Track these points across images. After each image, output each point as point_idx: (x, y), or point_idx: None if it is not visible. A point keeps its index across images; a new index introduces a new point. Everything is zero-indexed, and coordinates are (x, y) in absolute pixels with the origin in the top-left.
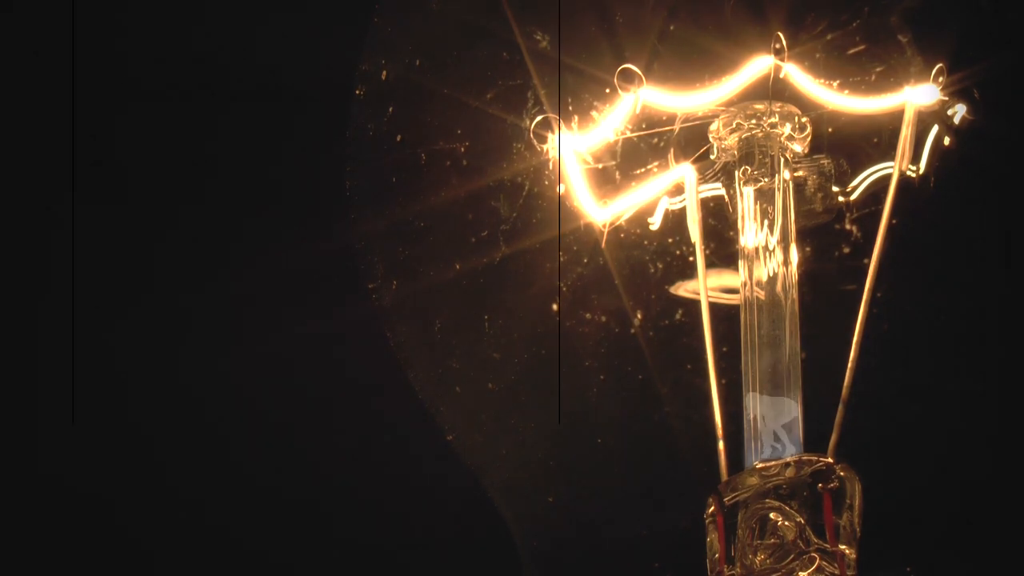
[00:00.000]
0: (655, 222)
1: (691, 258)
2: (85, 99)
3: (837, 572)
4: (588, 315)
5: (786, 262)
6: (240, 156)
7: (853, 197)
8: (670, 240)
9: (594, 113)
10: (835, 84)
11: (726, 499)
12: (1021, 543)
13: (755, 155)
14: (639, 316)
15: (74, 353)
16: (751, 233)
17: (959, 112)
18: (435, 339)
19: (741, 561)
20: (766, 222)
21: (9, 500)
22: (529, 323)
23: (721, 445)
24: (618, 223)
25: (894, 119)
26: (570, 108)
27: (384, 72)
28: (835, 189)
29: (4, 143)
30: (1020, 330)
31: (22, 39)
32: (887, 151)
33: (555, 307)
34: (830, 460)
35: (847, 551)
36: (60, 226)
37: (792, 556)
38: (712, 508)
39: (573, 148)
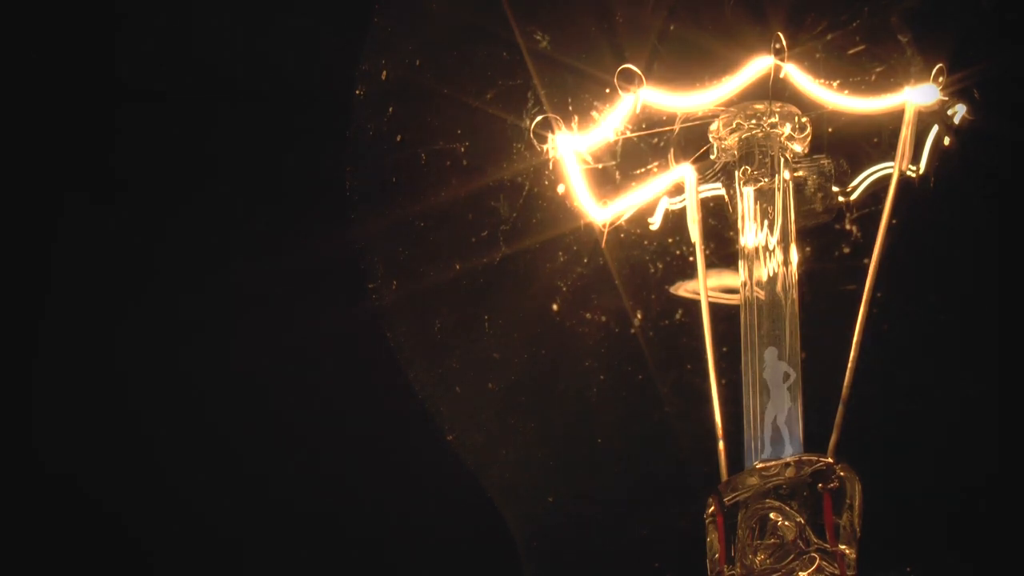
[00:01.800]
0: (655, 222)
1: (691, 258)
2: (86, 100)
3: (837, 572)
4: (588, 315)
5: (786, 262)
6: (239, 156)
7: (853, 197)
8: (670, 240)
9: (594, 113)
10: (835, 84)
11: (726, 499)
12: (1021, 543)
13: (755, 155)
14: (639, 316)
15: (77, 352)
16: (751, 233)
17: (959, 112)
18: (435, 339)
19: (741, 561)
20: (766, 222)
21: (11, 498)
22: (529, 323)
23: (721, 445)
24: (618, 223)
25: (894, 119)
26: (570, 108)
27: (384, 72)
28: (835, 189)
29: (10, 143)
30: (1020, 330)
31: (25, 40)
32: (887, 151)
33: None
34: (830, 460)
35: (847, 551)
36: (61, 226)
37: (792, 556)
38: (712, 508)
39: (573, 148)
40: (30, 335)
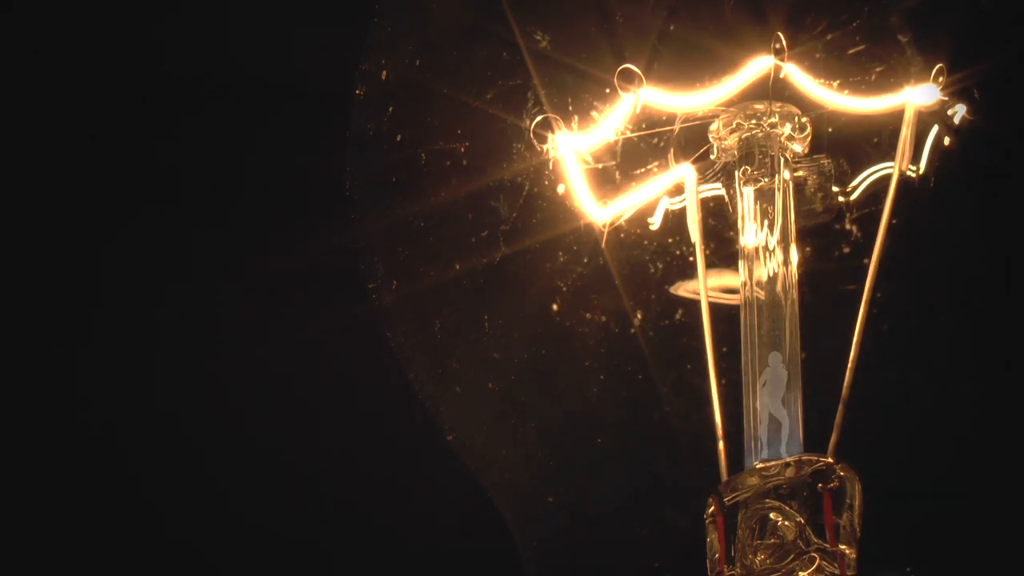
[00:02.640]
0: (655, 222)
1: (691, 258)
2: (86, 100)
3: (837, 572)
4: (588, 315)
5: (786, 262)
6: (240, 156)
7: (853, 197)
8: (670, 240)
9: (594, 113)
10: (835, 84)
11: (726, 499)
12: (1021, 543)
13: (755, 155)
14: (639, 316)
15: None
16: (751, 233)
17: (959, 112)
18: (435, 339)
19: (741, 561)
20: (766, 222)
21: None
22: (529, 323)
23: (721, 445)
24: (618, 223)
25: (894, 119)
26: (570, 108)
27: (384, 72)
28: (835, 189)
29: (6, 143)
30: (1020, 330)
31: (24, 39)
32: (887, 151)
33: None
34: (830, 460)
35: (847, 551)
36: (60, 225)
37: (792, 556)
38: (712, 508)
39: (573, 148)
40: (34, 335)
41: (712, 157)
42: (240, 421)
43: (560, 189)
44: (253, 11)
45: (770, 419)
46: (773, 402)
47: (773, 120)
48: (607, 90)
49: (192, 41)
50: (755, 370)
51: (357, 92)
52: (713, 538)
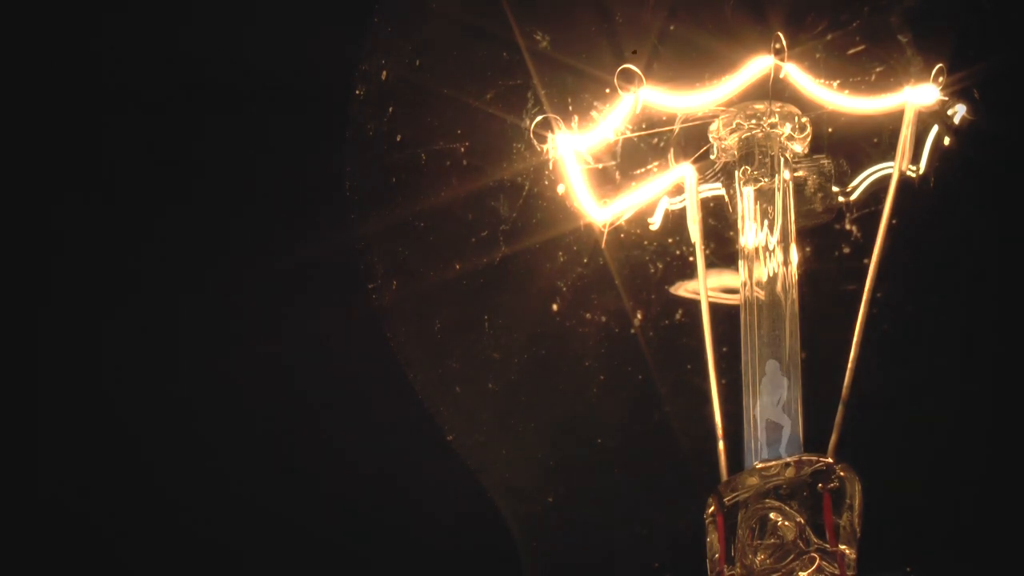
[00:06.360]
0: (655, 222)
1: (691, 258)
2: (83, 101)
3: (837, 572)
4: (588, 315)
5: (786, 262)
6: (240, 156)
7: (853, 197)
8: (670, 240)
9: (594, 113)
10: (835, 84)
11: (726, 499)
12: (1021, 543)
13: (755, 155)
14: (639, 316)
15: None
16: (751, 233)
17: (959, 112)
18: (435, 339)
19: (741, 561)
20: (766, 222)
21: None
22: (529, 323)
23: (721, 445)
24: (618, 223)
25: (894, 119)
26: (570, 108)
27: (384, 72)
28: (835, 189)
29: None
30: (1019, 330)
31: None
32: (887, 151)
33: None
34: (830, 460)
35: (847, 551)
36: (55, 227)
37: (792, 556)
38: (712, 508)
39: (573, 148)
40: (23, 336)
41: (712, 157)
42: (240, 421)
43: (560, 189)
44: (255, 11)
45: (770, 419)
46: (773, 402)
47: (773, 120)
48: (607, 90)
49: (190, 41)
50: (755, 370)
51: (357, 92)
52: (713, 538)
